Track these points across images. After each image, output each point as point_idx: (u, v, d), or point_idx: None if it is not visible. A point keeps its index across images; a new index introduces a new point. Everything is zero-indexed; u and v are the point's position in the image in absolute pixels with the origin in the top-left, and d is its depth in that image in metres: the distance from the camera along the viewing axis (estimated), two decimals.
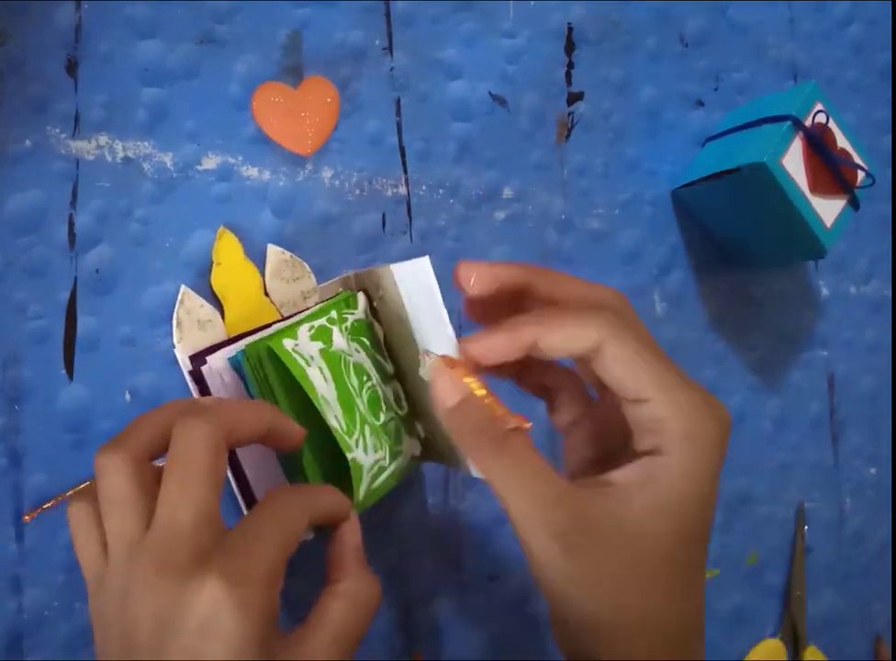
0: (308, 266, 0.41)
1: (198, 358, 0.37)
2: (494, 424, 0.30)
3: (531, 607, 0.44)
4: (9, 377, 0.38)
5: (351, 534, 0.33)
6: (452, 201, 0.45)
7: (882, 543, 0.53)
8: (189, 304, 0.40)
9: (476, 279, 0.32)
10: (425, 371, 0.33)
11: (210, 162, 0.41)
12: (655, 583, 0.29)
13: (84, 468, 0.38)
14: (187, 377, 0.38)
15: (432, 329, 0.34)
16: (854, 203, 0.44)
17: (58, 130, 0.39)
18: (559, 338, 0.30)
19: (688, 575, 0.30)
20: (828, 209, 0.43)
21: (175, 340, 0.39)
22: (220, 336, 0.40)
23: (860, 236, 0.53)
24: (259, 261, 0.41)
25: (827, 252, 0.44)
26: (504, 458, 0.29)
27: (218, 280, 0.40)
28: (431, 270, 0.32)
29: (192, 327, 0.39)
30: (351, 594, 0.31)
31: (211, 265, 0.40)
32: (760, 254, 0.48)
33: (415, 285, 0.34)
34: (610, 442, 0.33)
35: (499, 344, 0.30)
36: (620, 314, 0.30)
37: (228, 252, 0.40)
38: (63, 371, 0.38)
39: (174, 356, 0.39)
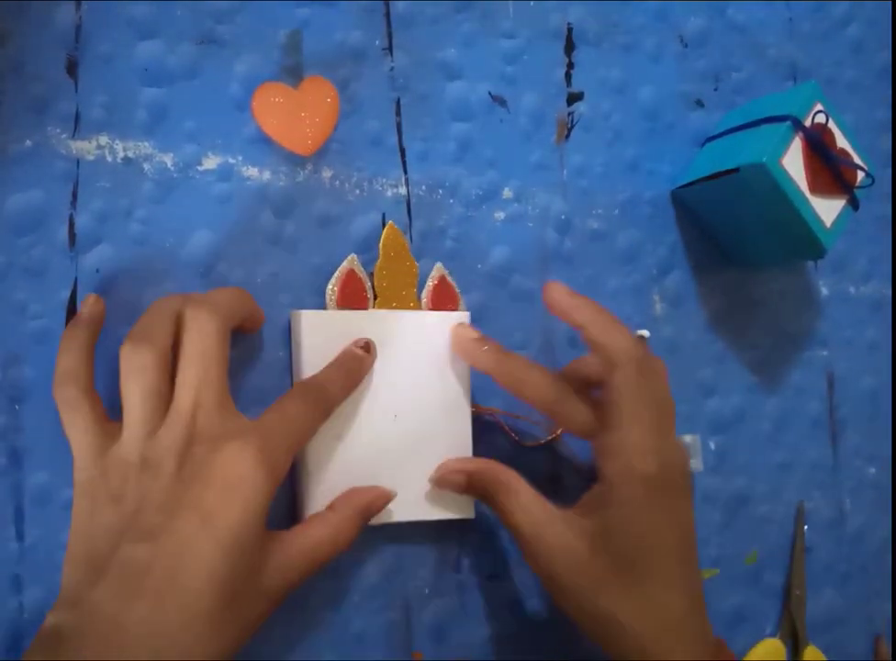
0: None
1: None
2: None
3: (531, 607, 0.45)
4: (10, 377, 0.38)
5: (365, 496, 0.38)
6: (451, 201, 0.45)
7: (882, 542, 0.53)
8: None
9: None
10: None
11: (210, 163, 0.41)
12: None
13: None
14: None
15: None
16: (853, 203, 0.44)
17: (58, 131, 0.39)
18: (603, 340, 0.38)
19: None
20: (828, 209, 0.43)
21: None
22: None
23: (860, 236, 0.53)
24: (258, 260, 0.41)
25: (827, 251, 0.44)
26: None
27: (381, 273, 0.41)
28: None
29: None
30: (334, 524, 0.36)
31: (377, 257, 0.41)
32: (760, 254, 0.48)
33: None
34: None
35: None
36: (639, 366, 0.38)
37: (395, 245, 0.41)
38: None
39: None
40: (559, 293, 0.39)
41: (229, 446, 0.32)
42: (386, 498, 0.39)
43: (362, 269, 0.41)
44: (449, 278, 0.42)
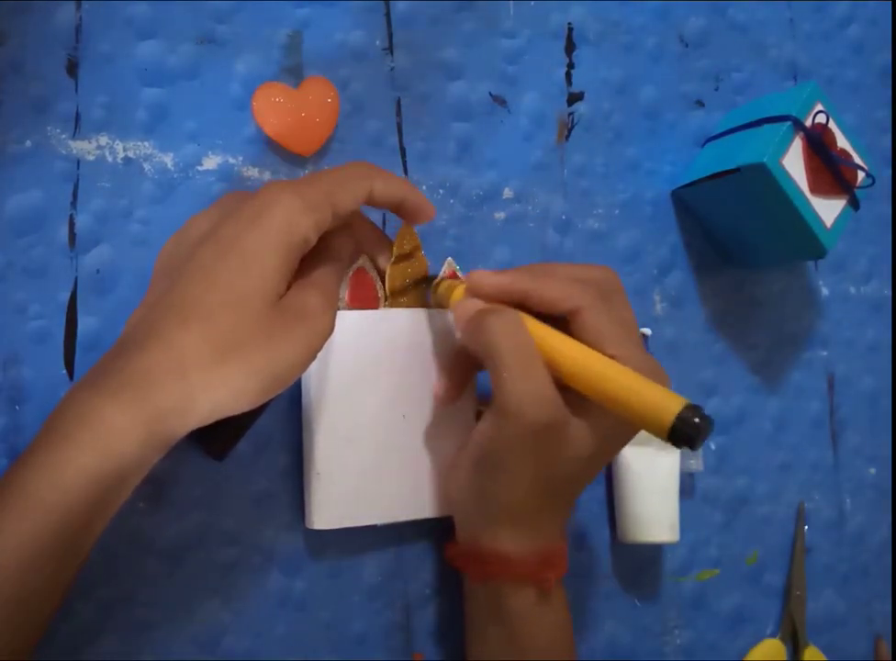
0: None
1: None
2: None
3: None
4: (10, 377, 0.38)
5: (346, 248, 0.38)
6: (452, 201, 0.45)
7: (882, 543, 0.53)
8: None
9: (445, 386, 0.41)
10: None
11: (211, 163, 0.41)
12: None
13: None
14: None
15: None
16: (854, 203, 0.44)
17: (58, 131, 0.39)
18: (548, 296, 0.36)
19: None
20: (828, 209, 0.43)
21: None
22: None
23: (860, 236, 0.53)
24: None
25: (827, 252, 0.44)
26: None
27: (393, 273, 0.40)
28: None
29: None
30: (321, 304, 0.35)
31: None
32: (760, 254, 0.48)
33: None
34: None
35: (503, 283, 0.37)
36: (602, 290, 0.38)
37: (410, 245, 0.41)
38: (64, 371, 0.38)
39: None
40: (484, 279, 0.38)
41: (272, 191, 0.33)
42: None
43: (373, 268, 0.41)
44: (460, 274, 0.42)
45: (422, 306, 0.41)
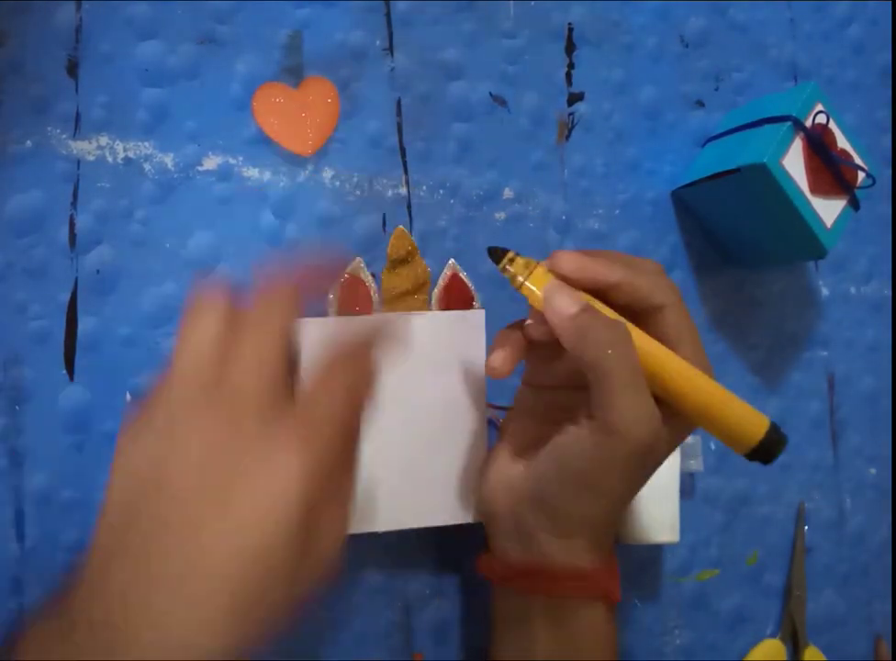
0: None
1: None
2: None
3: None
4: (10, 378, 0.38)
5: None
6: (452, 202, 0.45)
7: (882, 543, 0.53)
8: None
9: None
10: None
11: (211, 163, 0.41)
12: None
13: (84, 468, 0.38)
14: None
15: None
16: (854, 203, 0.44)
17: (58, 131, 0.39)
18: (641, 291, 0.35)
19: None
20: (828, 210, 0.43)
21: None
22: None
23: (860, 236, 0.53)
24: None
25: (828, 252, 0.44)
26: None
27: (388, 278, 0.40)
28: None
29: None
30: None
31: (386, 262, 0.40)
32: (760, 255, 0.48)
33: None
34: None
35: (594, 268, 0.35)
36: (680, 297, 0.37)
37: (404, 250, 0.40)
38: (64, 371, 0.38)
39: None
40: (572, 263, 0.35)
41: (273, 446, 0.27)
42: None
43: (367, 273, 0.40)
44: (462, 275, 0.42)
45: (425, 310, 0.41)
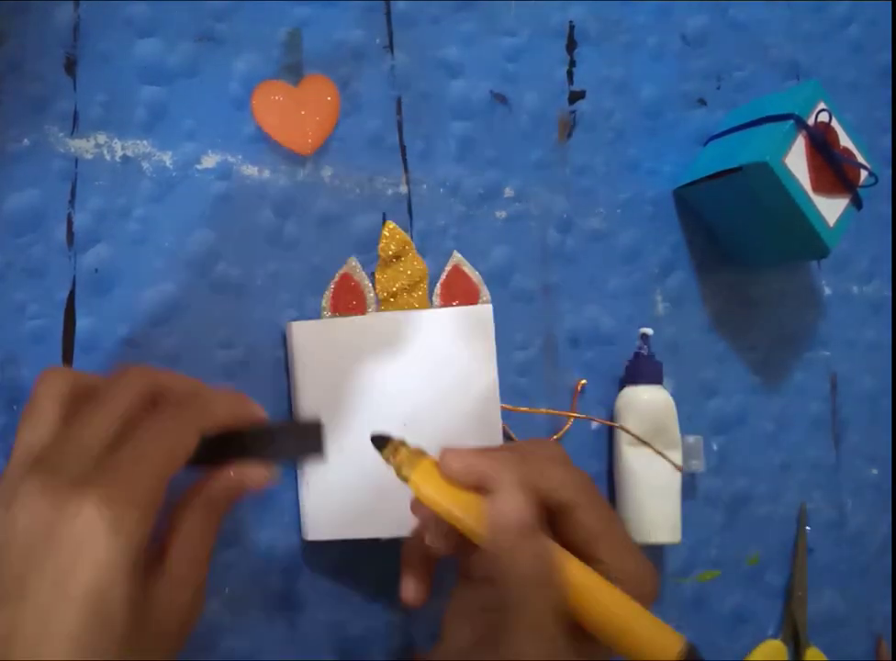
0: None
1: None
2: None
3: None
4: (8, 377, 0.37)
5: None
6: (452, 200, 0.44)
7: (883, 543, 0.53)
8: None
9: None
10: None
11: (210, 161, 0.41)
12: None
13: None
14: None
15: None
16: (856, 202, 0.44)
17: (56, 129, 0.39)
18: (543, 487, 0.32)
19: None
20: (831, 208, 0.43)
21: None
22: None
23: (862, 235, 0.53)
24: (256, 266, 0.41)
25: (830, 251, 0.44)
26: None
27: (382, 276, 0.38)
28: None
29: None
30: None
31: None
32: (762, 254, 0.48)
33: None
34: None
35: (481, 469, 0.32)
36: (584, 477, 0.34)
37: (396, 246, 0.38)
38: None
39: (174, 356, 0.39)
40: (462, 462, 0.33)
41: (71, 501, 0.27)
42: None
43: (361, 272, 0.39)
44: (465, 268, 0.40)
45: (423, 307, 0.40)
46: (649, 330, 0.45)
